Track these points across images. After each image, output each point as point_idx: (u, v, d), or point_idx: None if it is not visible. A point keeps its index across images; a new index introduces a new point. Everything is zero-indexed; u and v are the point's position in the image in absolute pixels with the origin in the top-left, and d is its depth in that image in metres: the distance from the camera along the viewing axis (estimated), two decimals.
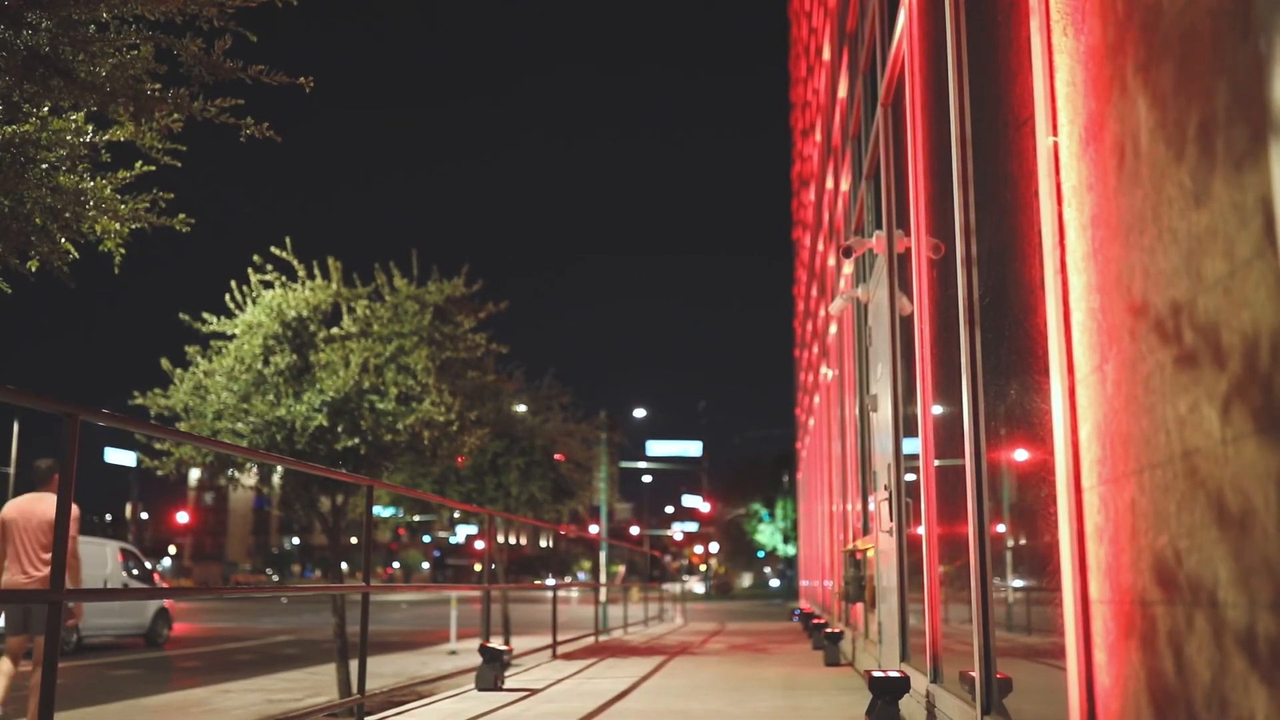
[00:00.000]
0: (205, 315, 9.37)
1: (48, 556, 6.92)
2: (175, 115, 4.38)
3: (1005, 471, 3.24)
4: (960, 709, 3.72)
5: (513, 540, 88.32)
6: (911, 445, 5.21)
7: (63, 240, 4.42)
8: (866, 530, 7.78)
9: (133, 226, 4.62)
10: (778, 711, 5.58)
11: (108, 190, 4.44)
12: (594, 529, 28.77)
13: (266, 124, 4.60)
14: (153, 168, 4.62)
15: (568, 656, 10.06)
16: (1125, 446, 1.88)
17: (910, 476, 5.31)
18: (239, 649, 17.13)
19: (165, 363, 9.23)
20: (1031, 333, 2.71)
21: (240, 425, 8.87)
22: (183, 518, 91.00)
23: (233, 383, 8.99)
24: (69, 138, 4.22)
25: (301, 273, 9.65)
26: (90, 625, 16.36)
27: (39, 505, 7.03)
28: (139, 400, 9.15)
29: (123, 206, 4.51)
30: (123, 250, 4.68)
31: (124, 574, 17.47)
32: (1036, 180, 2.53)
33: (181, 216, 4.78)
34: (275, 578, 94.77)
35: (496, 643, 7.71)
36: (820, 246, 15.36)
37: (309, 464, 5.29)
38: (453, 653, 15.27)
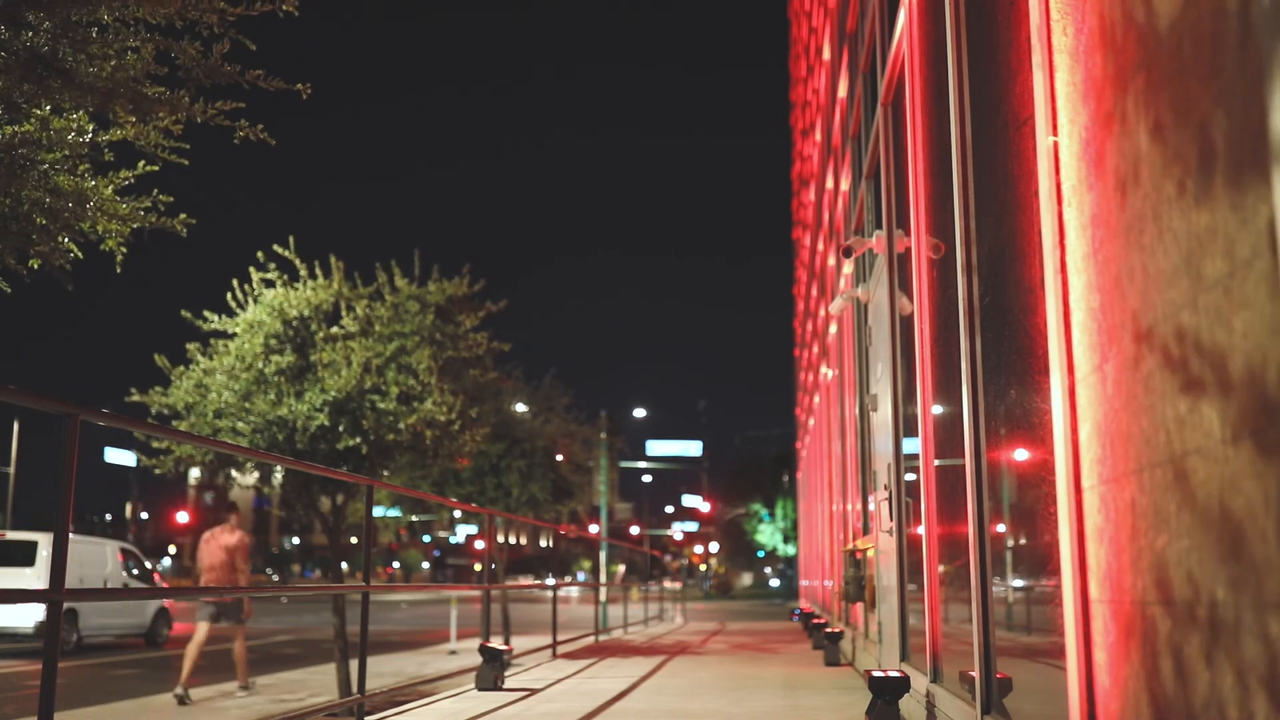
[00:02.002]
0: (206, 314, 9.37)
1: (236, 572, 10.59)
2: (175, 117, 4.37)
3: (1005, 471, 3.24)
4: (960, 709, 3.72)
5: (513, 540, 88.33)
6: (911, 445, 5.22)
7: (65, 240, 4.41)
8: (866, 530, 7.78)
9: (133, 226, 4.61)
10: (778, 711, 5.58)
11: (108, 191, 4.44)
12: (594, 529, 28.79)
13: (260, 126, 4.60)
14: (156, 168, 4.62)
15: (568, 656, 10.06)
16: (1125, 446, 1.88)
17: (910, 476, 5.32)
18: None
19: (160, 359, 9.22)
20: (1031, 332, 2.71)
21: (241, 424, 8.87)
22: (183, 517, 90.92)
23: (233, 381, 8.99)
24: (70, 137, 4.22)
25: (303, 271, 9.65)
26: (90, 625, 16.37)
27: (223, 534, 10.62)
28: (135, 397, 9.14)
29: (123, 207, 4.51)
30: (124, 250, 4.68)
31: (124, 574, 17.47)
32: (1036, 180, 2.53)
33: (183, 216, 4.78)
34: (275, 577, 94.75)
35: (496, 642, 7.71)
36: (820, 246, 15.36)
37: (309, 464, 5.29)
38: (453, 652, 15.27)
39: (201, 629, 10.30)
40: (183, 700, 9.54)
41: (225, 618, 10.55)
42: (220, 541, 10.55)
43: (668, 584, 36.07)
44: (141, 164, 4.59)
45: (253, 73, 4.40)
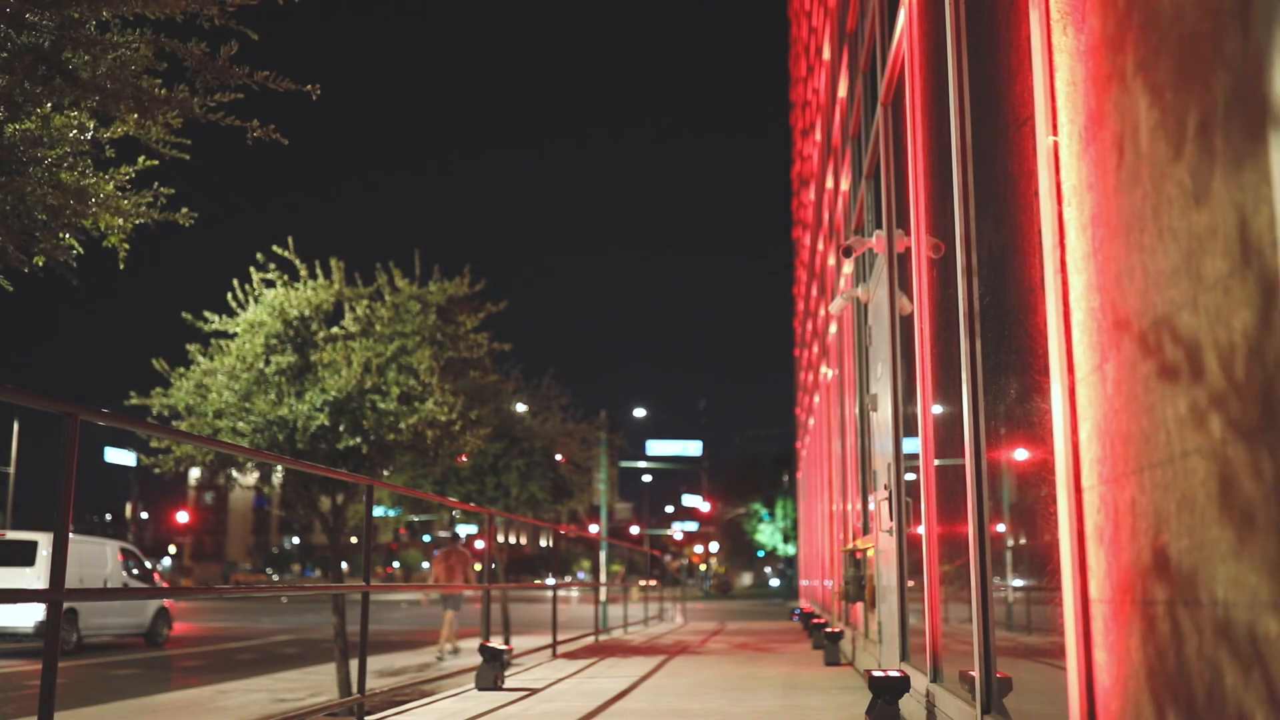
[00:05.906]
0: (207, 314, 9.37)
1: (461, 576, 14.89)
2: (176, 113, 4.36)
3: (1005, 471, 3.24)
4: (960, 708, 3.72)
5: (513, 540, 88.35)
6: (911, 445, 5.22)
7: (67, 236, 4.41)
8: (866, 530, 7.78)
9: (136, 222, 4.60)
10: (778, 711, 5.58)
11: (110, 186, 4.43)
12: (594, 529, 28.78)
13: (273, 126, 4.56)
14: (155, 162, 4.61)
15: (568, 656, 10.06)
16: (1125, 446, 1.88)
17: (910, 476, 5.32)
18: (239, 649, 17.12)
19: (159, 363, 9.22)
20: (1031, 332, 2.72)
21: (241, 424, 8.87)
22: (183, 517, 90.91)
23: (234, 381, 8.99)
24: (71, 134, 4.21)
25: (304, 272, 9.65)
26: (90, 625, 16.38)
27: (452, 552, 15.22)
28: (134, 400, 9.14)
29: (125, 202, 4.50)
30: (127, 245, 4.67)
31: (124, 573, 17.48)
32: (1036, 179, 2.53)
33: (185, 210, 4.76)
34: (275, 577, 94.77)
35: (496, 642, 7.71)
36: (820, 246, 15.36)
37: (309, 464, 5.29)
38: (453, 652, 15.27)
39: (446, 615, 14.70)
40: (440, 658, 14.06)
41: (449, 606, 14.75)
42: (453, 556, 15.19)
43: (666, 590, 35.99)
44: (142, 159, 4.57)
45: (261, 74, 4.37)
